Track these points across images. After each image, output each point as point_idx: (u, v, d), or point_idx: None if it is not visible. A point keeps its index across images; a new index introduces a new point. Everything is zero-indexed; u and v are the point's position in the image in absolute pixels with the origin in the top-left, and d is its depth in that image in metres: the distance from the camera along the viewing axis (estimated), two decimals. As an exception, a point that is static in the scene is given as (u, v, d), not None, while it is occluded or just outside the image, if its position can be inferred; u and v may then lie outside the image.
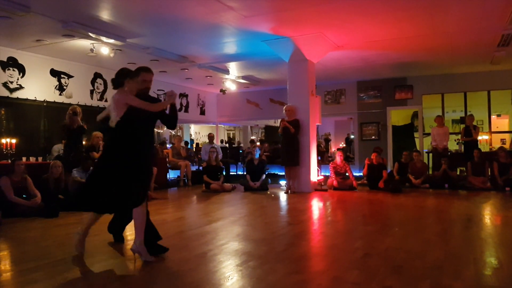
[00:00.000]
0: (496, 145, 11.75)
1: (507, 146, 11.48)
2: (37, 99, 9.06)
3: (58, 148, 8.40)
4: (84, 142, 8.10)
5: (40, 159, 7.93)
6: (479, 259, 3.56)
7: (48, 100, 9.30)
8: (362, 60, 10.30)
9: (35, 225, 5.48)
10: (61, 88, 9.68)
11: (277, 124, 13.34)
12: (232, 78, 12.31)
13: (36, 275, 3.21)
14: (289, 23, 7.54)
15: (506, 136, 12.95)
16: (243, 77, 12.42)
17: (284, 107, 9.00)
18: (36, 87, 9.10)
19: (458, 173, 10.20)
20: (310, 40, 8.33)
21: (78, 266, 3.47)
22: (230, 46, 9.03)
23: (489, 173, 9.29)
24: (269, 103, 14.54)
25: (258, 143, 14.97)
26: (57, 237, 4.77)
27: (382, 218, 5.94)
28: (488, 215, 6.08)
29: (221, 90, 13.49)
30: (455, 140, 12.19)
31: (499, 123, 13.66)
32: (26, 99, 8.87)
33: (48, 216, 5.87)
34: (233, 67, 11.28)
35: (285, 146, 8.82)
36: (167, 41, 8.55)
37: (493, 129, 12.27)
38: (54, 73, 9.55)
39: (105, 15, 6.86)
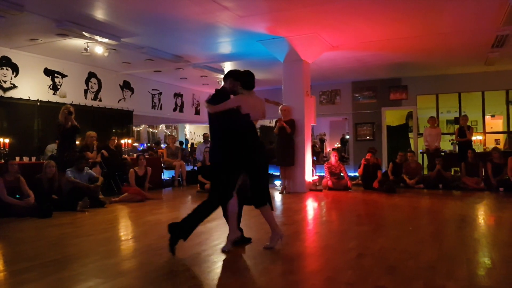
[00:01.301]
0: (490, 145, 11.81)
1: (501, 146, 11.55)
2: (30, 98, 9.01)
3: (51, 148, 8.36)
4: (77, 142, 8.05)
5: (33, 159, 7.89)
6: (472, 259, 3.57)
7: (41, 99, 9.24)
8: (357, 61, 10.33)
9: (28, 225, 5.45)
10: (55, 88, 9.63)
11: (272, 124, 13.33)
12: (227, 78, 12.28)
13: (29, 276, 3.19)
14: (284, 23, 7.54)
15: (500, 136, 13.02)
16: (239, 77, 12.39)
17: (280, 107, 9.00)
18: (30, 87, 9.05)
19: (452, 173, 10.25)
20: (305, 40, 8.34)
21: (71, 267, 3.45)
22: (225, 46, 9.02)
23: (483, 174, 9.33)
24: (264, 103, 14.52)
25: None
26: (50, 237, 4.74)
27: (376, 219, 5.95)
28: (482, 216, 6.11)
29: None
30: (449, 141, 12.25)
31: (493, 123, 13.73)
32: (20, 99, 8.81)
33: (42, 216, 5.83)
34: (228, 67, 11.26)
35: (280, 146, 8.82)
36: (162, 40, 8.53)
37: (487, 130, 12.33)
38: (48, 72, 9.50)
39: (99, 14, 6.83)
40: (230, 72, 4.33)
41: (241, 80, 4.19)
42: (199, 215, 3.82)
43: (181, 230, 3.73)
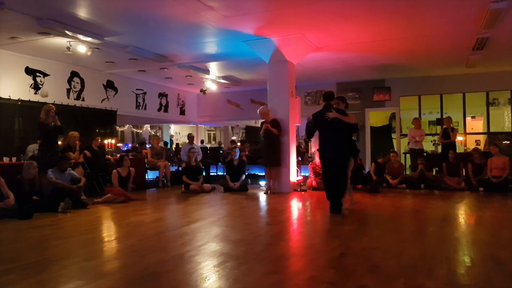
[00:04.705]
0: (471, 146, 12.02)
1: (481, 147, 11.77)
2: (11, 97, 8.84)
3: (32, 148, 8.20)
4: (59, 143, 7.91)
5: (14, 159, 7.73)
6: (452, 258, 3.64)
7: (23, 99, 9.08)
8: (342, 62, 10.42)
9: (8, 227, 5.35)
10: (36, 87, 9.47)
11: (258, 125, 13.35)
12: (213, 78, 12.27)
13: (8, 278, 3.13)
14: (269, 24, 7.56)
15: (481, 137, 13.26)
16: (224, 77, 12.39)
17: (258, 111, 9.00)
18: (11, 86, 8.88)
19: (434, 173, 10.40)
20: (290, 41, 8.37)
21: (52, 269, 3.39)
22: (211, 46, 9.00)
23: (464, 174, 9.50)
24: (250, 104, 14.55)
25: (238, 144, 14.95)
26: (31, 239, 4.66)
27: (359, 218, 6.00)
28: (462, 215, 6.22)
29: (202, 90, 13.43)
30: (431, 141, 12.43)
31: (474, 124, 13.96)
32: (0, 98, 8.64)
33: (22, 218, 5.74)
34: (213, 67, 11.24)
35: (266, 147, 8.83)
36: (146, 40, 8.46)
37: (468, 131, 12.56)
38: (29, 71, 9.34)
39: (82, 12, 6.74)
40: (332, 94, 6.14)
41: (346, 103, 6.33)
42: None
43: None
